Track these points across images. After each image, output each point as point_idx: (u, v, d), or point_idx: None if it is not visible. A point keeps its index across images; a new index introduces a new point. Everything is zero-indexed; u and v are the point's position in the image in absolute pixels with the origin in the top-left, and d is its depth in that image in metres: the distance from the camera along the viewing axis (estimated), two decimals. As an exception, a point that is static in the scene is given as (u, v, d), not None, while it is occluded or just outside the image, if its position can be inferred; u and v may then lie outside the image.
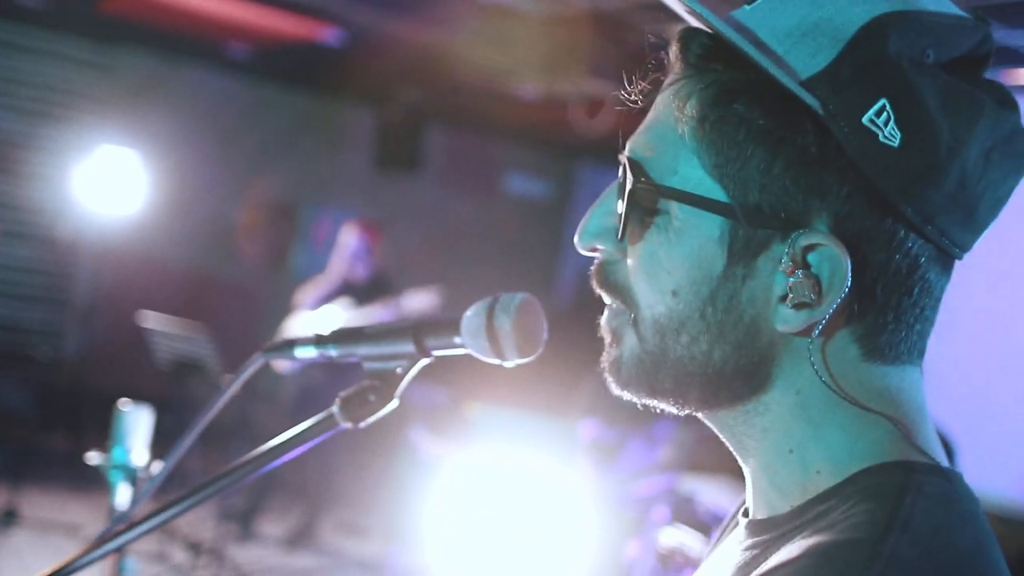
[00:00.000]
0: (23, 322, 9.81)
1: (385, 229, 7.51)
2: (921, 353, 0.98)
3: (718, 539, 1.25)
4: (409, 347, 1.17)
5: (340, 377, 6.79)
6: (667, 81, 1.01)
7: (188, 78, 10.26)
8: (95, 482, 7.05)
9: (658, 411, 1.05)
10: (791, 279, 0.91)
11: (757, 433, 0.99)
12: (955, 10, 0.94)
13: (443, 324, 1.16)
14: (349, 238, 7.08)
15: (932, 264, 0.94)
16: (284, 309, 7.34)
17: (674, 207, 0.96)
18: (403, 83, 9.73)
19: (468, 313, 1.13)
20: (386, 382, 1.20)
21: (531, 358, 1.13)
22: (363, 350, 1.21)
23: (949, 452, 4.90)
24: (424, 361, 1.19)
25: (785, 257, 0.92)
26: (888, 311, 0.93)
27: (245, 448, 1.29)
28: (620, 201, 1.00)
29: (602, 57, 7.38)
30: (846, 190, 0.90)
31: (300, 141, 10.95)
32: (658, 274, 0.97)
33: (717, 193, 0.94)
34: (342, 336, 1.23)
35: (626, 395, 1.05)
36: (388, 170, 10.51)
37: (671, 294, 0.96)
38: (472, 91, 9.34)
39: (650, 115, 1.02)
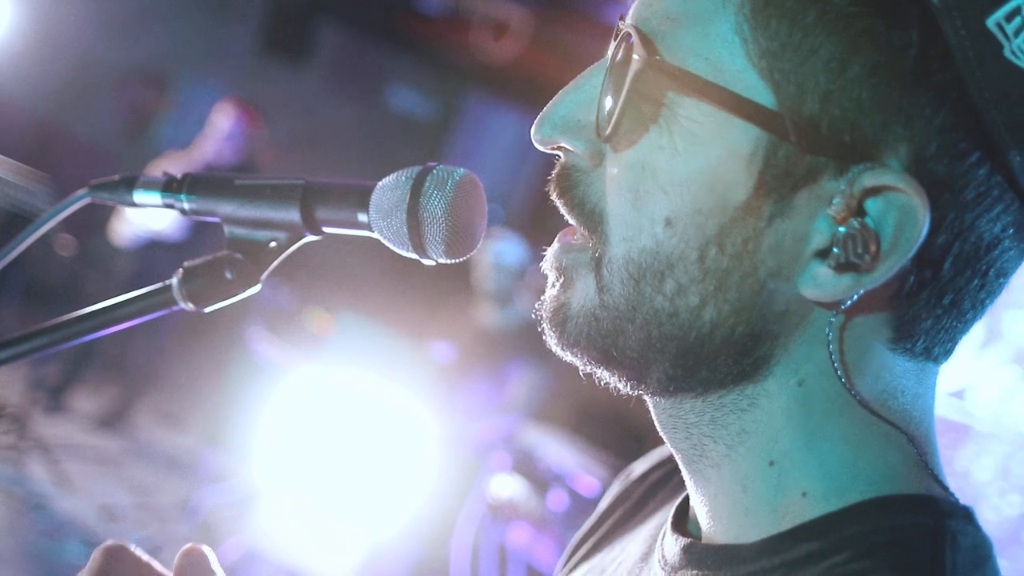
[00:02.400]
0: None
1: (258, 114, 7.06)
2: (949, 353, 0.74)
3: (599, 523, 1.02)
4: (293, 215, 0.87)
5: (185, 260, 6.38)
6: None
7: (76, -86, 9.55)
8: None
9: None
10: (841, 229, 0.66)
11: (729, 436, 0.74)
12: None
13: (345, 192, 0.86)
14: (224, 118, 6.60)
15: (1017, 239, 0.69)
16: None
17: (694, 105, 0.68)
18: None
19: (384, 183, 0.83)
20: (252, 257, 0.89)
21: (460, 259, 0.83)
22: (228, 208, 0.90)
23: None
24: (309, 238, 0.89)
25: (839, 198, 0.66)
26: (948, 293, 0.69)
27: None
28: (611, 87, 0.71)
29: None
30: (941, 118, 0.64)
31: (187, 7, 10.36)
32: (650, 193, 0.70)
33: (761, 94, 0.66)
34: (203, 184, 0.92)
35: (568, 356, 0.78)
36: (273, 55, 10.02)
37: (663, 223, 0.69)
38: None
39: None
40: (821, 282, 0.68)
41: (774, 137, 0.66)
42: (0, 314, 5.86)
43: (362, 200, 0.84)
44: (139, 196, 0.95)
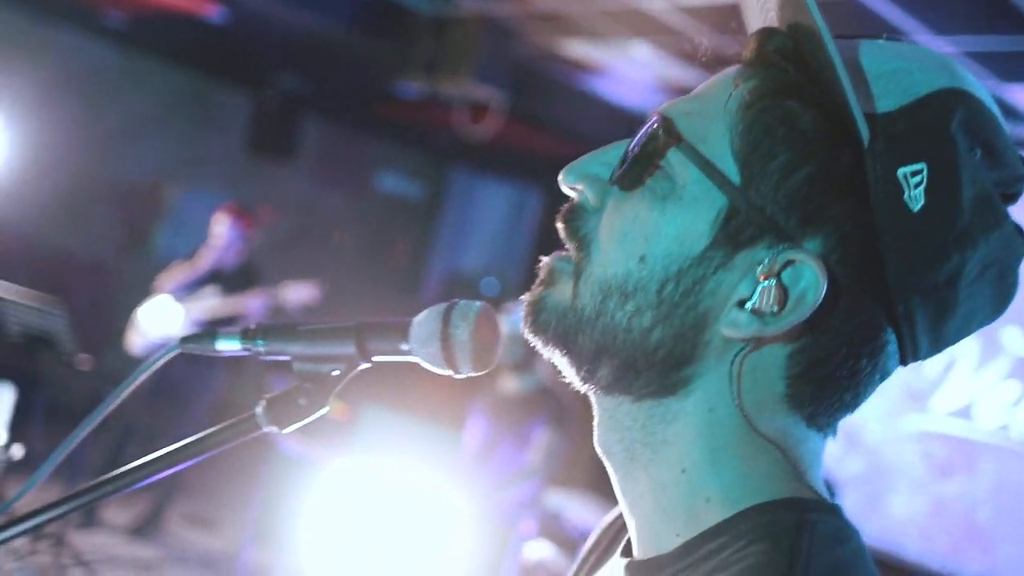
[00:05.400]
0: None
1: (254, 216, 7.31)
2: (834, 430, 0.96)
3: (582, 567, 1.19)
4: (349, 349, 1.08)
5: (201, 370, 6.59)
6: (734, 67, 0.97)
7: (59, 41, 9.85)
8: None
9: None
10: (761, 284, 0.88)
11: (655, 443, 0.95)
12: (1009, 139, 0.93)
13: (389, 328, 1.08)
14: (222, 225, 6.86)
15: (880, 352, 0.92)
16: (142, 291, 7.08)
17: (684, 171, 0.92)
18: (283, 69, 9.54)
19: (419, 318, 1.05)
20: (319, 385, 1.10)
21: (484, 372, 1.06)
22: (295, 348, 1.11)
23: (830, 492, 4.97)
24: (363, 366, 1.11)
25: (765, 263, 0.89)
26: (828, 364, 0.91)
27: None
28: (631, 148, 0.96)
29: (490, 63, 7.36)
30: (849, 228, 0.88)
31: (171, 118, 10.64)
32: (634, 237, 0.93)
33: (733, 174, 0.90)
34: (273, 331, 1.13)
35: (536, 340, 1.00)
36: (260, 156, 10.29)
37: (638, 259, 0.92)
38: (353, 84, 9.21)
39: (702, 86, 0.98)
40: (736, 322, 0.89)
41: (733, 208, 0.89)
42: (27, 434, 6.03)
43: (403, 333, 1.05)
44: (221, 344, 1.16)
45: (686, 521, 0.91)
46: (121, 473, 1.15)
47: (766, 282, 0.88)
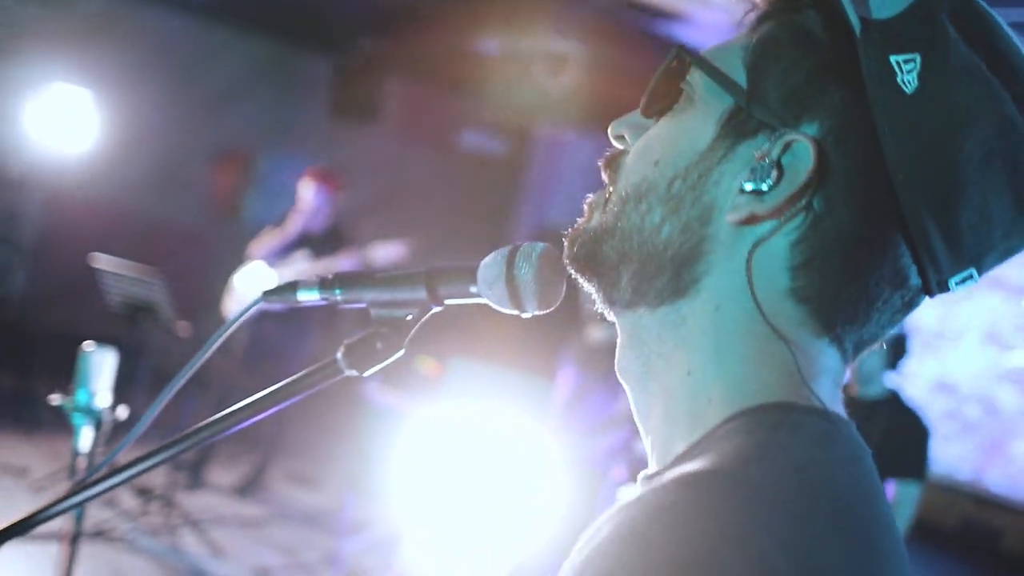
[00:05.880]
0: (-32, 260, 9.62)
1: (339, 179, 7.41)
2: (849, 344, 0.97)
3: None
4: (421, 294, 1.14)
5: (293, 329, 6.75)
6: None
7: (144, 17, 10.05)
8: (43, 423, 6.90)
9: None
10: (759, 165, 0.92)
11: (667, 350, 0.98)
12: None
13: (458, 272, 1.13)
14: (308, 190, 6.96)
15: (886, 245, 0.93)
16: (236, 257, 7.24)
17: (701, 87, 0.99)
18: (363, 32, 9.61)
19: (485, 261, 1.10)
20: (394, 330, 1.16)
21: (549, 310, 1.10)
22: (371, 295, 1.17)
23: (903, 345, 4.69)
24: (435, 309, 1.16)
25: (765, 145, 0.93)
26: (831, 253, 0.92)
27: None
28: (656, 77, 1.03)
29: (567, 16, 7.34)
30: (846, 113, 0.92)
31: (257, 87, 10.80)
32: (652, 148, 1.00)
33: (740, 78, 0.96)
34: (349, 280, 1.19)
35: (574, 271, 1.05)
36: (344, 119, 10.40)
37: (653, 164, 0.99)
38: (433, 44, 9.26)
39: None
40: (736, 204, 0.93)
41: (739, 104, 0.95)
42: (131, 398, 6.24)
43: (471, 276, 1.11)
44: (302, 295, 1.22)
45: (690, 425, 0.93)
46: (215, 420, 1.22)
47: (763, 162, 0.92)
